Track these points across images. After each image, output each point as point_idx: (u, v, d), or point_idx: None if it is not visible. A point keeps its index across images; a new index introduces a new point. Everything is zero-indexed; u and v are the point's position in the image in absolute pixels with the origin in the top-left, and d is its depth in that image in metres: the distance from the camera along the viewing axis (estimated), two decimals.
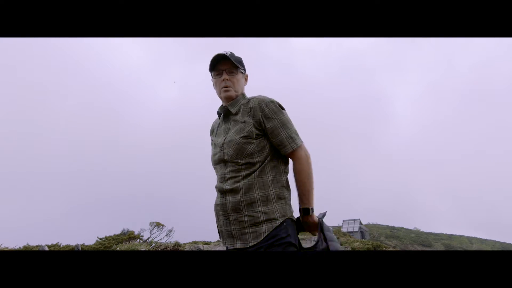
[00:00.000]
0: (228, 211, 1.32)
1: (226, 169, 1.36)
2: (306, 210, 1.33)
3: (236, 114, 1.44)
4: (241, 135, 1.35)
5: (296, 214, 1.38)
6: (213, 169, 1.49)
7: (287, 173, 1.42)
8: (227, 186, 1.34)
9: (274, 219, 1.27)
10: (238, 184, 1.31)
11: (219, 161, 1.40)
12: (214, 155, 1.46)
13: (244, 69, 1.52)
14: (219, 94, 1.49)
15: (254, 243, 1.25)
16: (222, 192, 1.36)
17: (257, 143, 1.34)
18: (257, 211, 1.28)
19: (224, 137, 1.41)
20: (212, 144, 1.54)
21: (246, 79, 1.55)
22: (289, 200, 1.38)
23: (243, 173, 1.32)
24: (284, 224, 1.28)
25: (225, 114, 1.48)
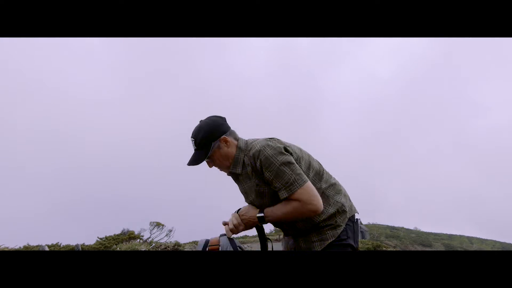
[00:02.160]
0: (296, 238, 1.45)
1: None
2: (261, 218, 1.36)
3: (243, 174, 1.42)
4: (266, 198, 1.37)
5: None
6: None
7: (327, 180, 1.45)
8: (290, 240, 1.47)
9: (338, 226, 1.38)
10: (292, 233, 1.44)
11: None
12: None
13: (215, 141, 1.38)
14: None
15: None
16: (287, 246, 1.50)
17: (272, 193, 1.36)
18: (313, 241, 1.38)
19: (249, 198, 1.45)
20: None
21: (225, 142, 1.40)
22: (344, 200, 1.43)
23: (291, 225, 1.42)
24: (345, 228, 1.38)
25: (234, 177, 1.50)
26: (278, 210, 1.33)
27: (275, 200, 1.34)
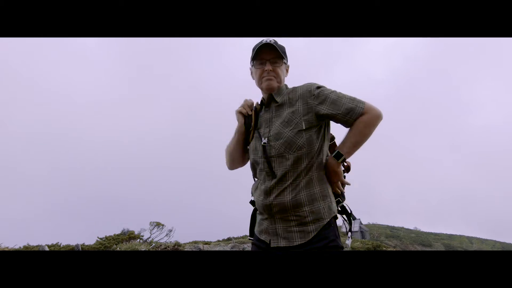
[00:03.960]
0: (274, 211, 1.26)
1: (273, 165, 1.27)
2: (339, 155, 1.27)
3: (281, 104, 1.36)
4: (290, 128, 1.27)
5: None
6: (252, 162, 1.39)
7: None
8: (273, 184, 1.26)
9: (322, 218, 1.23)
10: (286, 183, 1.25)
11: (265, 156, 1.30)
12: (255, 149, 1.35)
13: (287, 59, 1.42)
14: (260, 84, 1.39)
15: (301, 242, 1.21)
16: (267, 191, 1.28)
17: (307, 137, 1.26)
18: (304, 211, 1.23)
19: (269, 129, 1.32)
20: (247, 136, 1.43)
21: (287, 70, 1.44)
22: (332, 196, 1.31)
23: (291, 172, 1.25)
24: (332, 225, 1.25)
25: (267, 103, 1.39)
26: (355, 142, 1.25)
27: (298, 133, 1.26)
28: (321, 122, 1.30)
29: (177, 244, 9.69)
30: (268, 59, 1.36)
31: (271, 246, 1.27)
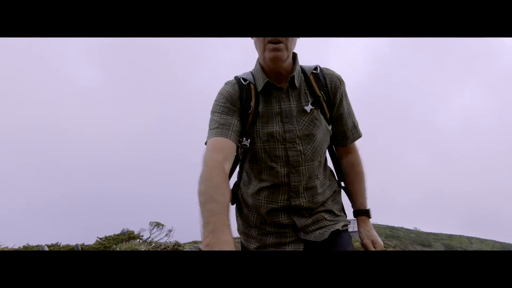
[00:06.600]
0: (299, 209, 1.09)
1: (297, 169, 1.02)
2: (368, 212, 1.16)
3: (299, 90, 1.04)
4: (321, 129, 1.03)
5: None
6: (262, 168, 1.06)
7: None
8: (302, 187, 1.06)
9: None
10: (314, 183, 1.07)
11: (290, 160, 1.02)
12: (271, 154, 1.02)
13: None
14: (262, 53, 1.03)
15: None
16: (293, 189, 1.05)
17: (328, 139, 1.08)
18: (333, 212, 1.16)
19: (292, 126, 1.01)
20: (248, 128, 1.05)
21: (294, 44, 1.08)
22: None
23: (317, 173, 1.07)
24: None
25: (286, 88, 1.04)
26: (365, 187, 1.17)
27: (327, 137, 1.04)
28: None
29: (177, 244, 9.69)
30: None
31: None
